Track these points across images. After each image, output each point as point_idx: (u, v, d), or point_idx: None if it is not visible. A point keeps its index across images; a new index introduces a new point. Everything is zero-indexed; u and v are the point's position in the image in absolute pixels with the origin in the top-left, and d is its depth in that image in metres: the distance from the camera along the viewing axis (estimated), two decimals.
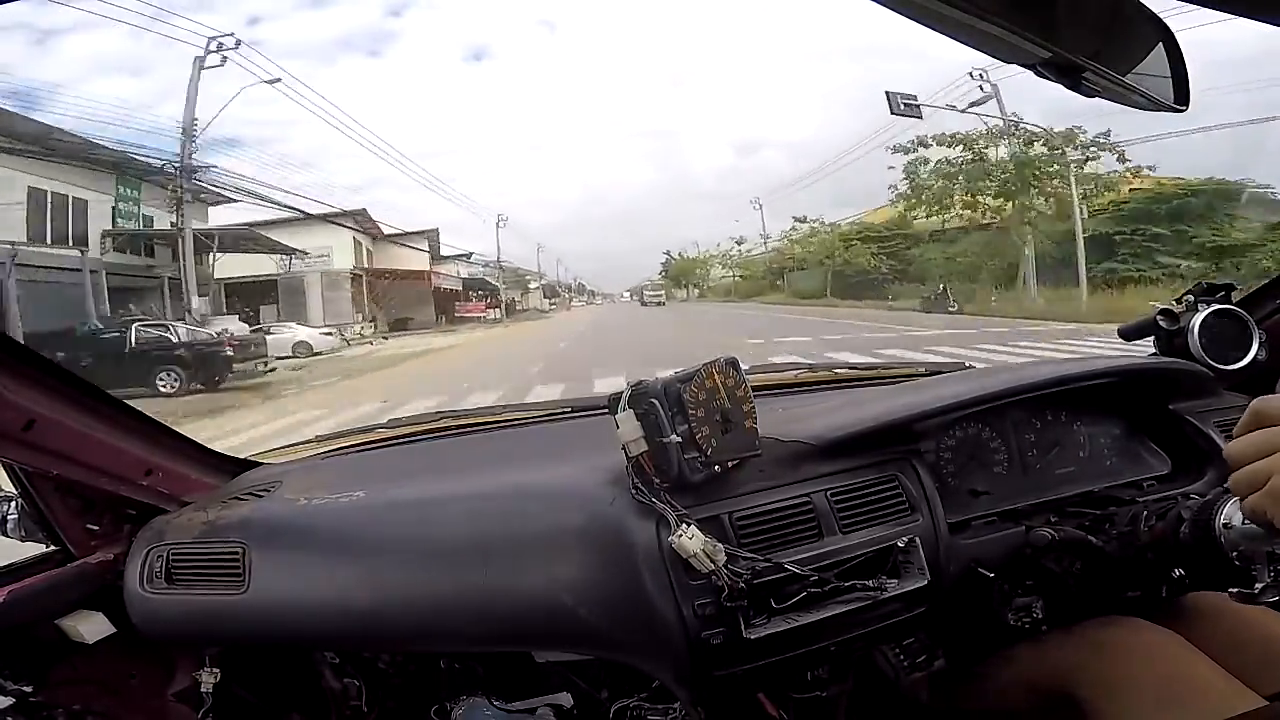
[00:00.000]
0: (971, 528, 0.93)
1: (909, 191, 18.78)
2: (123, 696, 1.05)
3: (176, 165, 16.49)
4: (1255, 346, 1.17)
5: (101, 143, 15.73)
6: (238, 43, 17.08)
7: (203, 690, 1.07)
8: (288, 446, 1.34)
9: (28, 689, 0.94)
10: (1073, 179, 15.52)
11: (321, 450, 1.31)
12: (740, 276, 42.66)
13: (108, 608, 1.01)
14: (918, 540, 0.83)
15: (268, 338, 15.40)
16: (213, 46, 16.67)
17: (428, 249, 29.72)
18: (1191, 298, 1.21)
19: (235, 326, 16.42)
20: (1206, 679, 0.72)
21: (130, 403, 1.01)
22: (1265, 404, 0.55)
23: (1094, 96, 0.45)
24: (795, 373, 1.50)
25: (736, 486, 0.83)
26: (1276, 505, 0.52)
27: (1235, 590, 0.68)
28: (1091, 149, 16.17)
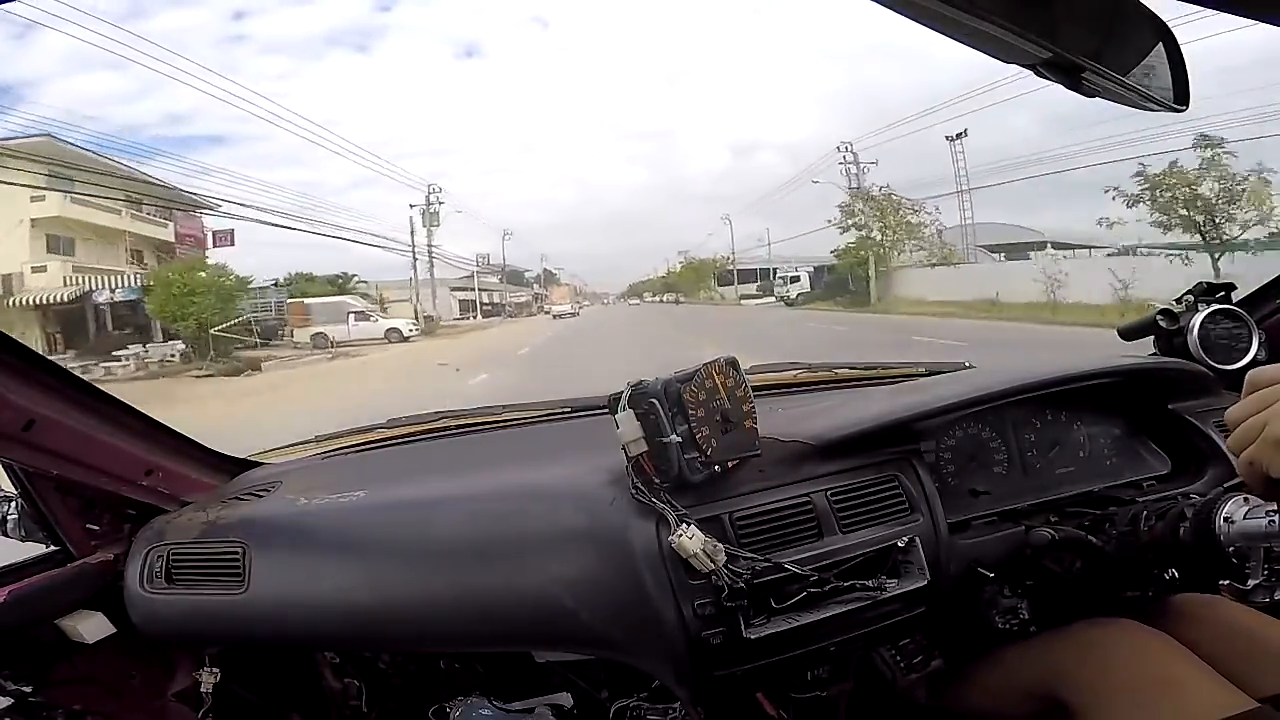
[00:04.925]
0: (971, 528, 0.93)
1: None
2: (123, 696, 1.05)
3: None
4: (1255, 346, 1.17)
5: None
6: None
7: (203, 690, 1.07)
8: (288, 446, 1.34)
9: (28, 689, 0.94)
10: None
11: (321, 450, 1.31)
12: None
13: (108, 608, 1.01)
14: (918, 540, 0.83)
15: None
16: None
17: None
18: (1191, 298, 1.21)
19: None
20: (1197, 680, 0.72)
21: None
22: (1259, 371, 0.56)
23: (1094, 96, 0.46)
24: (795, 373, 1.50)
25: (736, 486, 0.83)
26: (1272, 452, 0.53)
27: (1227, 583, 0.69)
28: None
